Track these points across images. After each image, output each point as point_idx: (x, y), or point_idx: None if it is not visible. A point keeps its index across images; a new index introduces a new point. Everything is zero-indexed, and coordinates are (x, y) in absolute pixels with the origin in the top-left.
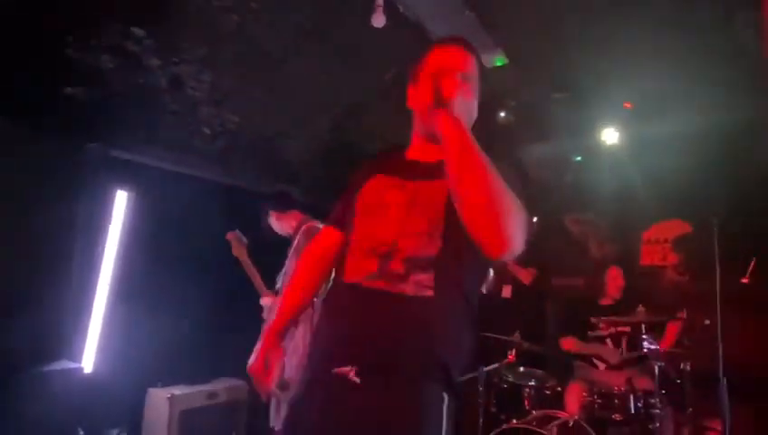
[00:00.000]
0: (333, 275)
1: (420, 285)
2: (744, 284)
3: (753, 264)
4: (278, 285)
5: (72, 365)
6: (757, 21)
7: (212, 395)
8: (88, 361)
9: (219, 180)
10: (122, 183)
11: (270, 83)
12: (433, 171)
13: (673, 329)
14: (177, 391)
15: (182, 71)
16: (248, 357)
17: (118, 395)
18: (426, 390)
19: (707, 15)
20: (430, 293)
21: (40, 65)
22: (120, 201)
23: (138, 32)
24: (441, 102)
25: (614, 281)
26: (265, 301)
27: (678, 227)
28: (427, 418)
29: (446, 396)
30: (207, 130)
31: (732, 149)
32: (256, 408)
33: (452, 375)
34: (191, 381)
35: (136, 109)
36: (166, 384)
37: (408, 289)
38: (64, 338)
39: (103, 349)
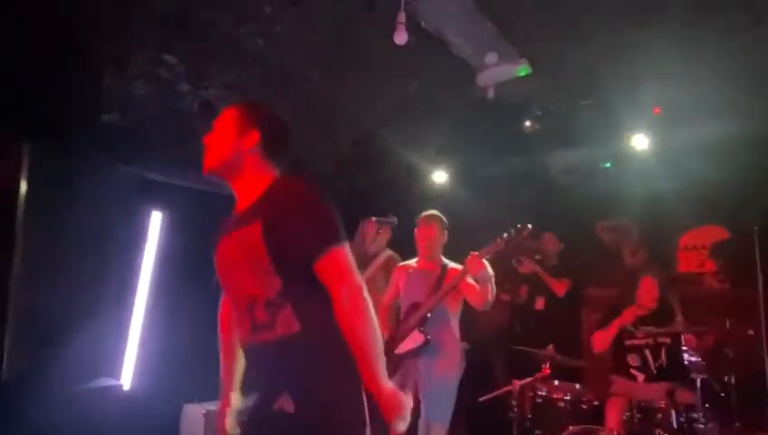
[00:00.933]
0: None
1: (286, 323)
2: None
3: None
4: None
5: (112, 382)
6: None
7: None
8: (127, 378)
9: None
10: (156, 204)
11: (294, 102)
12: (246, 216)
13: (690, 340)
14: (213, 406)
15: (211, 95)
16: None
17: (155, 411)
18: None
19: (737, 19)
20: (297, 328)
21: (77, 94)
22: (155, 221)
23: (169, 59)
24: None
25: (648, 293)
26: None
27: (716, 234)
28: None
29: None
30: None
31: (765, 155)
32: None
33: (340, 404)
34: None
35: (168, 132)
36: (202, 400)
37: (279, 330)
38: (105, 356)
39: (141, 366)
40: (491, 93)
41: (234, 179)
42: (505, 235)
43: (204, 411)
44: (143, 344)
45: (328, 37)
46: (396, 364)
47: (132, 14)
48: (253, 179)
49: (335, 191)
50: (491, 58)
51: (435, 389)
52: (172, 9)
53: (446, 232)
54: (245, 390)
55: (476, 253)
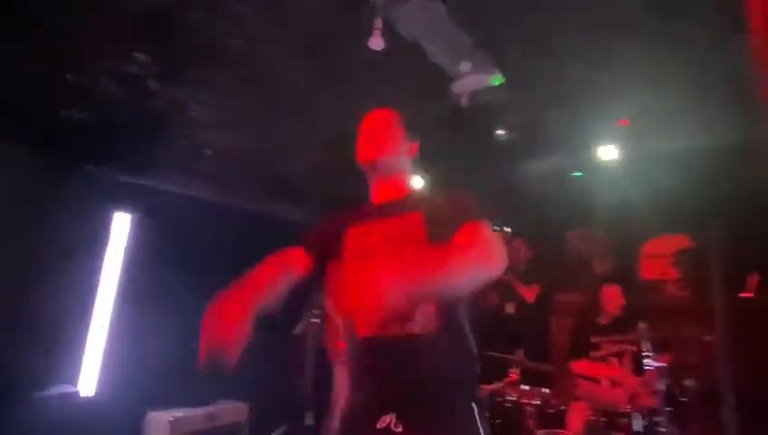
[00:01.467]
0: (349, 330)
1: (425, 320)
2: (746, 299)
3: (754, 279)
4: None
5: (70, 389)
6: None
7: (212, 417)
8: (86, 384)
9: (221, 201)
10: (123, 205)
11: (270, 105)
12: (401, 206)
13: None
14: (178, 413)
15: (184, 94)
16: (248, 378)
17: (118, 419)
18: (457, 410)
19: (702, 35)
20: (433, 326)
21: (40, 90)
22: (121, 223)
23: (140, 56)
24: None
25: (611, 300)
26: None
27: (679, 242)
28: (467, 431)
29: (474, 406)
30: (209, 152)
31: (729, 166)
32: (258, 429)
33: (472, 388)
34: (192, 403)
35: (137, 131)
36: (166, 407)
37: (416, 328)
38: (62, 362)
39: (104, 372)
40: (465, 101)
41: (380, 175)
42: None
43: (170, 418)
44: (107, 350)
45: (306, 41)
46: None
47: (101, 8)
48: (399, 179)
49: (309, 196)
50: (465, 66)
51: None
52: (145, 5)
53: None
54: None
55: None
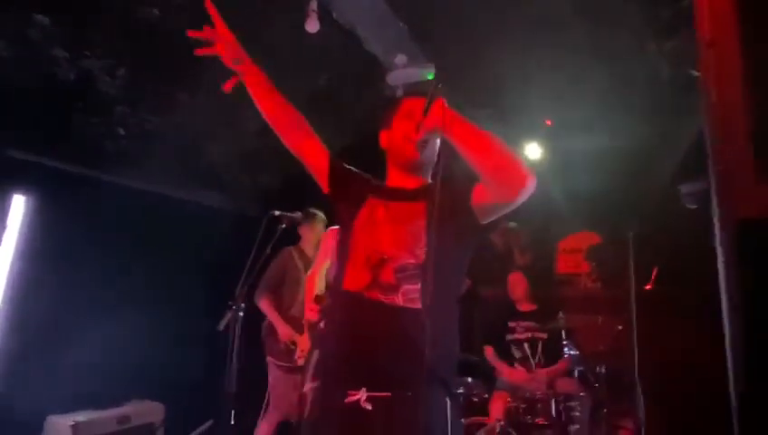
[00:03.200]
0: (332, 282)
1: (408, 296)
2: (649, 290)
3: (654, 272)
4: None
5: None
6: (673, 49)
7: (123, 419)
8: None
9: (134, 185)
10: (19, 187)
11: (193, 83)
12: (413, 195)
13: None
14: (82, 417)
15: (94, 65)
16: (164, 376)
17: (12, 424)
18: (431, 402)
19: (621, 42)
20: (418, 304)
21: None
22: (17, 207)
23: (41, 18)
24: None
25: (516, 286)
26: None
27: (590, 238)
28: (435, 426)
29: (448, 401)
30: (122, 131)
31: (642, 167)
32: (175, 431)
33: (448, 381)
34: (98, 404)
35: (38, 104)
36: (68, 410)
37: (399, 300)
38: None
39: None
40: (400, 93)
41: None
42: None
43: (71, 423)
44: None
45: (234, 17)
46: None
47: None
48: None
49: (232, 183)
50: (400, 59)
51: None
52: None
53: None
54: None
55: None
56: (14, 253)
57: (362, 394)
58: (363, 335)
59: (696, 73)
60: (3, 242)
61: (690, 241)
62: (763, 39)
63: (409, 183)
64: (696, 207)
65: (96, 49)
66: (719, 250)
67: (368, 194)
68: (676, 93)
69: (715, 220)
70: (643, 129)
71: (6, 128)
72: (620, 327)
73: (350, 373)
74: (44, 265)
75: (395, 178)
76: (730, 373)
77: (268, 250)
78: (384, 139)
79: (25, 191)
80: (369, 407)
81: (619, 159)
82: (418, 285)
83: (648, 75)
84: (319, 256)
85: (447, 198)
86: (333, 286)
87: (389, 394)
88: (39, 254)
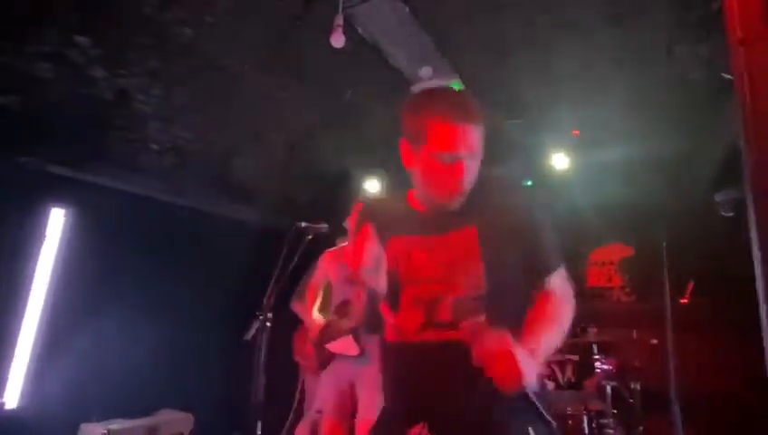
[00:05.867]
0: (378, 334)
1: (472, 327)
2: (686, 304)
3: (690, 285)
4: None
5: None
6: (705, 53)
7: (152, 429)
8: (11, 395)
9: (168, 199)
10: (59, 201)
11: (224, 99)
12: (451, 219)
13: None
14: (114, 425)
15: (130, 84)
16: (193, 386)
17: (47, 432)
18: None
19: (649, 47)
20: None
21: None
22: (56, 220)
23: (82, 40)
24: None
25: None
26: None
27: (623, 251)
28: None
29: (530, 429)
30: (155, 147)
31: (673, 175)
32: None
33: (531, 405)
34: (130, 414)
35: (77, 122)
36: (101, 419)
37: (462, 335)
38: None
39: (31, 381)
40: None
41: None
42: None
43: (104, 431)
44: (35, 357)
45: (262, 35)
46: (327, 359)
47: None
48: None
49: (262, 197)
50: (425, 72)
51: (370, 390)
52: None
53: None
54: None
55: None
56: (53, 264)
57: (421, 429)
58: (422, 376)
59: (729, 76)
60: (42, 254)
61: (727, 251)
62: None
63: (447, 203)
64: (732, 214)
65: (132, 68)
66: (755, 252)
67: (392, 235)
68: (708, 98)
69: (750, 221)
70: (675, 136)
71: (47, 145)
72: (655, 341)
73: (413, 411)
74: (79, 275)
75: (422, 202)
76: None
77: (295, 260)
78: (407, 157)
79: (64, 205)
80: None
81: (651, 168)
82: (483, 316)
83: (679, 81)
84: (316, 275)
85: (496, 213)
86: (379, 339)
87: (453, 427)
88: (75, 265)
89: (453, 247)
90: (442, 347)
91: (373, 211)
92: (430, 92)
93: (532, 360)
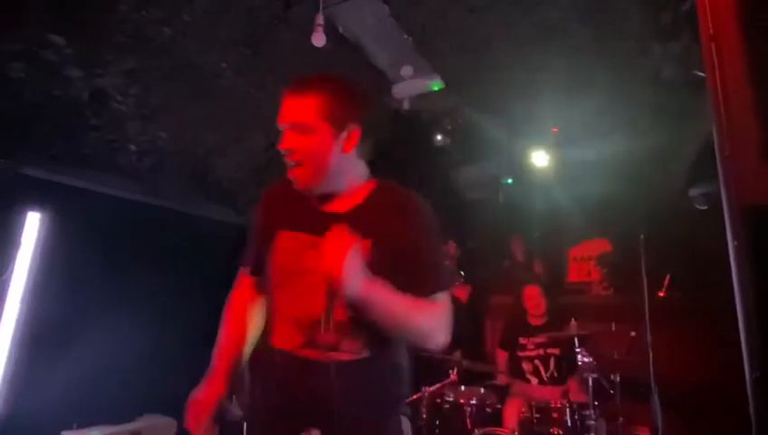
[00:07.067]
0: (259, 336)
1: (354, 350)
2: (663, 297)
3: (668, 279)
4: None
5: None
6: (678, 51)
7: (136, 434)
8: None
9: (146, 201)
10: (35, 204)
11: (202, 99)
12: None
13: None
14: (96, 432)
15: (106, 83)
16: (177, 390)
17: None
18: (386, 430)
19: (624, 46)
20: (366, 354)
21: None
22: (32, 224)
23: (56, 39)
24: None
25: (530, 299)
26: None
27: (601, 246)
28: None
29: (401, 418)
30: (133, 147)
31: (650, 172)
32: None
33: (399, 407)
34: (112, 420)
35: (52, 123)
36: (82, 426)
37: (343, 356)
38: None
39: (9, 389)
40: (406, 105)
41: (327, 186)
42: None
43: None
44: (12, 365)
45: (241, 33)
46: None
47: None
48: (346, 182)
49: (240, 197)
50: (406, 71)
51: None
52: None
53: None
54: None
55: None
56: (29, 268)
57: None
58: (303, 390)
59: (702, 74)
60: (18, 258)
61: (703, 245)
62: (763, 31)
63: (335, 201)
64: (706, 207)
65: (108, 67)
66: (729, 234)
67: (284, 228)
68: (682, 96)
69: (724, 206)
70: (650, 132)
71: (23, 147)
72: (634, 334)
73: (298, 417)
74: (58, 280)
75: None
76: (745, 357)
77: None
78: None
79: (40, 208)
80: None
81: (628, 165)
82: (365, 339)
83: (653, 78)
84: None
85: (389, 230)
86: (261, 340)
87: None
88: (53, 269)
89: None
90: (325, 365)
91: (270, 198)
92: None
93: (364, 281)
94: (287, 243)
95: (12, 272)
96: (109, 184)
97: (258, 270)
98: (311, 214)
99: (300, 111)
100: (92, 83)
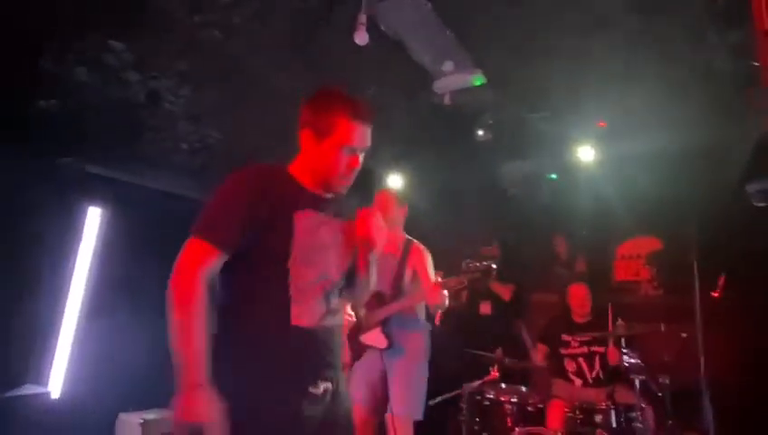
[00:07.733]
0: (271, 317)
1: (345, 314)
2: (716, 298)
3: (722, 279)
4: None
5: (38, 390)
6: (735, 41)
7: None
8: (55, 385)
9: (198, 197)
10: (95, 199)
11: (251, 99)
12: (340, 209)
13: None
14: (151, 415)
15: (161, 85)
16: None
17: (86, 421)
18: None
19: (678, 36)
20: (350, 317)
21: (11, 76)
22: (93, 218)
23: (116, 44)
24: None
25: (576, 298)
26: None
27: (650, 244)
28: None
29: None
30: (186, 146)
31: (702, 167)
32: None
33: None
34: (166, 404)
35: (111, 123)
36: (138, 408)
37: (343, 320)
38: (30, 362)
39: (72, 372)
40: (447, 100)
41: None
42: (470, 264)
43: (140, 421)
44: (76, 349)
45: (286, 35)
46: (360, 351)
47: None
48: None
49: None
50: (447, 66)
51: (399, 383)
52: None
53: (404, 207)
54: (312, 376)
55: (438, 283)
56: (90, 261)
57: (327, 389)
58: (326, 358)
59: (758, 64)
60: (80, 251)
61: (760, 243)
62: None
63: (337, 189)
64: (765, 205)
65: (163, 70)
66: None
67: (301, 207)
68: (737, 87)
69: None
70: (704, 126)
71: (84, 146)
72: (685, 335)
73: (313, 374)
74: (116, 270)
75: (311, 183)
76: None
77: None
78: (308, 143)
79: (101, 203)
80: (330, 401)
81: (679, 159)
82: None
83: (708, 70)
84: None
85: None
86: (276, 322)
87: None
88: (111, 260)
89: (343, 236)
90: (337, 330)
91: (263, 180)
92: (339, 93)
93: (383, 233)
94: (306, 222)
95: (75, 263)
96: (163, 180)
97: (232, 246)
98: (307, 196)
99: (369, 139)
100: (148, 85)
